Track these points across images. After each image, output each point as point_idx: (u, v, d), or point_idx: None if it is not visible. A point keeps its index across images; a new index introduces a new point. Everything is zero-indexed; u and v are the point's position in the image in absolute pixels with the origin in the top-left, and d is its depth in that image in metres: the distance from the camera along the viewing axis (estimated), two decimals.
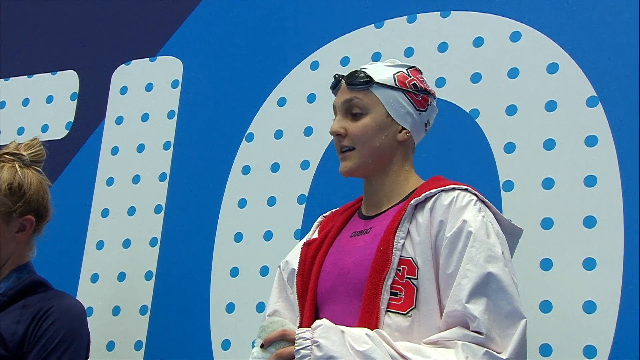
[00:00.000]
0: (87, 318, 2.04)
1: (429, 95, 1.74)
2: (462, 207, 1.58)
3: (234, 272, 2.32)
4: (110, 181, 2.59)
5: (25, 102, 2.83)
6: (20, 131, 2.77)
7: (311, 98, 2.38)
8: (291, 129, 2.38)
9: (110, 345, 2.38)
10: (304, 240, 1.81)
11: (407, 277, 1.55)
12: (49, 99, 2.79)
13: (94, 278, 2.49)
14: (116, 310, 2.43)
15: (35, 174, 2.08)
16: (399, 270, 1.56)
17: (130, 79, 2.68)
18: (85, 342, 2.03)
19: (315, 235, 1.78)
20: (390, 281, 1.55)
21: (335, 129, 1.70)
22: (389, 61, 1.76)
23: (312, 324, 1.54)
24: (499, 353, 1.47)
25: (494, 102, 2.13)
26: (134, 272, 2.44)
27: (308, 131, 2.35)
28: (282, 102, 2.42)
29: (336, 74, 1.74)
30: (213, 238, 2.38)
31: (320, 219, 1.84)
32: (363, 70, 1.71)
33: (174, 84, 2.60)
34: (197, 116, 2.53)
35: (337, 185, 2.23)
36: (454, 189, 1.62)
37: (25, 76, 2.86)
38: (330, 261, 1.68)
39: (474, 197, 1.61)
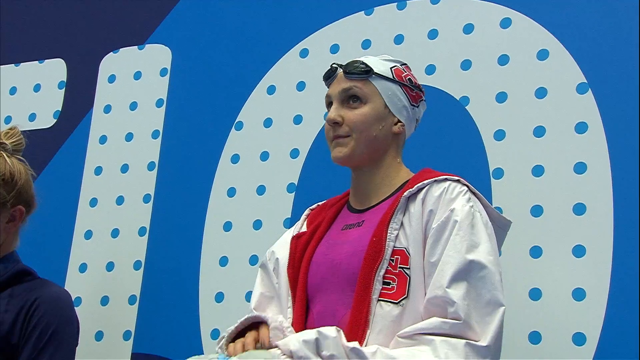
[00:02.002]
0: (76, 308, 2.04)
1: (421, 91, 1.77)
2: (452, 198, 1.59)
3: (223, 261, 2.31)
4: (98, 170, 2.57)
5: (13, 90, 2.81)
6: (8, 120, 2.75)
7: (301, 86, 2.37)
8: (281, 118, 2.36)
9: (99, 335, 2.37)
10: (290, 231, 1.81)
11: (400, 267, 1.56)
12: (37, 88, 2.77)
13: (83, 268, 2.48)
14: (105, 300, 2.42)
15: (20, 163, 2.06)
16: (392, 260, 1.56)
17: (119, 68, 2.66)
18: (76, 329, 2.03)
19: (304, 229, 1.78)
20: (383, 271, 1.55)
21: (334, 116, 1.69)
22: (382, 56, 1.76)
23: (303, 315, 1.56)
24: (476, 341, 1.46)
25: (484, 90, 2.12)
26: (122, 262, 2.43)
27: (297, 119, 2.34)
28: (271, 90, 2.40)
29: (333, 63, 1.74)
30: (202, 227, 2.36)
31: (307, 212, 1.84)
32: (361, 60, 1.71)
33: (163, 72, 2.58)
34: (185, 105, 2.51)
35: (326, 173, 2.23)
36: (445, 179, 1.62)
37: (13, 64, 2.84)
38: (321, 253, 1.68)
39: (465, 188, 1.61)
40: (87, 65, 2.70)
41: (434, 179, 1.63)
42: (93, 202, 2.54)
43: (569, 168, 1.97)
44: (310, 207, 1.85)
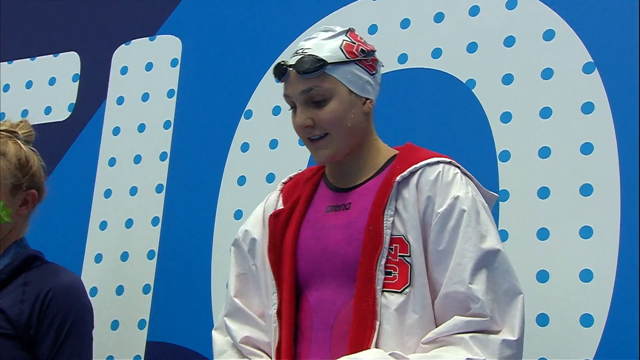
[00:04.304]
0: (92, 298, 2.10)
1: (374, 53, 1.67)
2: (448, 182, 1.56)
3: None
4: (112, 161, 2.60)
5: (29, 84, 2.84)
6: (24, 114, 2.79)
7: None
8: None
9: (115, 324, 2.40)
10: (261, 206, 1.77)
11: (400, 256, 1.54)
12: (52, 81, 2.80)
13: (98, 258, 2.51)
14: (120, 290, 2.45)
15: (32, 152, 2.11)
16: (392, 249, 1.54)
17: (131, 59, 2.68)
18: (91, 314, 2.06)
19: (281, 205, 1.72)
20: (384, 261, 1.53)
21: (302, 121, 1.62)
22: (322, 31, 1.66)
23: (293, 301, 1.55)
24: (498, 331, 1.47)
25: (491, 72, 2.11)
26: (136, 252, 2.45)
27: None
28: None
29: (282, 62, 1.64)
30: (214, 216, 2.38)
31: (280, 186, 1.78)
32: (309, 53, 1.61)
33: (173, 63, 2.59)
34: (196, 94, 2.53)
35: None
36: (438, 162, 1.59)
37: (28, 58, 2.87)
38: (309, 237, 1.64)
39: (458, 170, 1.59)
40: (100, 57, 2.72)
41: (426, 161, 1.59)
42: (107, 193, 2.57)
43: (575, 149, 1.96)
44: (283, 181, 1.80)
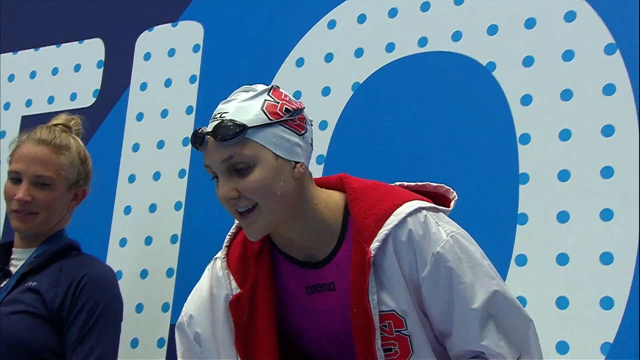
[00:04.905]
0: (118, 281, 2.14)
1: (301, 111, 1.52)
2: (422, 238, 1.47)
3: None
4: (136, 147, 2.63)
5: (55, 71, 2.87)
6: (51, 100, 2.82)
7: (329, 57, 2.37)
8: (309, 90, 2.37)
9: (139, 307, 2.44)
10: (203, 287, 1.63)
11: (396, 331, 1.48)
12: (77, 68, 2.83)
13: (123, 242, 2.54)
14: (144, 274, 2.48)
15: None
16: (385, 326, 1.47)
17: (153, 45, 2.69)
18: (121, 305, 2.11)
19: (235, 286, 1.56)
20: (380, 342, 1.47)
21: (226, 193, 1.45)
22: (242, 92, 1.52)
23: None
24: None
25: (511, 54, 2.09)
26: (160, 236, 2.48)
27: (326, 91, 2.34)
28: (300, 62, 2.41)
29: (198, 129, 1.48)
30: None
31: (221, 263, 1.61)
32: (227, 118, 1.45)
33: (195, 49, 2.61)
34: (217, 80, 2.54)
35: (355, 144, 2.25)
36: (403, 219, 1.47)
37: (54, 45, 2.90)
38: (303, 326, 1.56)
39: (424, 213, 1.49)
40: (124, 44, 2.74)
41: (393, 224, 1.47)
42: (131, 178, 2.60)
43: (596, 131, 1.94)
44: (219, 257, 1.63)
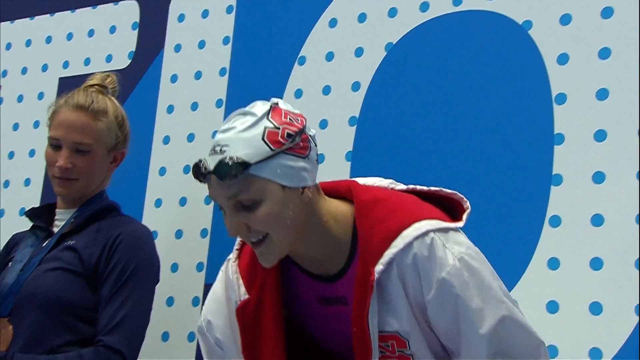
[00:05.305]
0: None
1: (304, 130, 1.45)
2: (427, 261, 1.43)
3: None
4: (170, 109, 2.64)
5: (91, 33, 2.88)
6: (87, 62, 2.84)
7: (362, 18, 2.34)
8: (342, 51, 2.35)
9: (175, 267, 2.46)
10: (220, 287, 1.61)
11: (399, 351, 1.46)
12: (112, 29, 2.84)
13: (158, 203, 2.57)
14: (179, 234, 2.50)
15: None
16: (388, 346, 1.46)
17: (187, 7, 2.69)
18: (156, 266, 2.13)
19: (244, 291, 1.54)
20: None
21: (235, 228, 1.43)
22: (239, 116, 1.46)
23: None
24: None
25: (548, 12, 2.05)
26: (194, 197, 2.49)
27: (359, 52, 2.32)
28: (333, 23, 2.39)
29: (200, 162, 1.42)
30: None
31: (233, 267, 1.58)
32: (228, 156, 1.39)
33: (229, 10, 2.60)
34: (250, 41, 2.53)
35: (388, 105, 2.23)
36: (410, 244, 1.43)
37: (90, 7, 2.91)
38: (319, 333, 1.56)
39: (431, 237, 1.44)
40: (158, 5, 2.74)
41: (399, 248, 1.43)
42: (166, 140, 2.61)
43: (635, 91, 1.90)
44: (231, 259, 1.61)
